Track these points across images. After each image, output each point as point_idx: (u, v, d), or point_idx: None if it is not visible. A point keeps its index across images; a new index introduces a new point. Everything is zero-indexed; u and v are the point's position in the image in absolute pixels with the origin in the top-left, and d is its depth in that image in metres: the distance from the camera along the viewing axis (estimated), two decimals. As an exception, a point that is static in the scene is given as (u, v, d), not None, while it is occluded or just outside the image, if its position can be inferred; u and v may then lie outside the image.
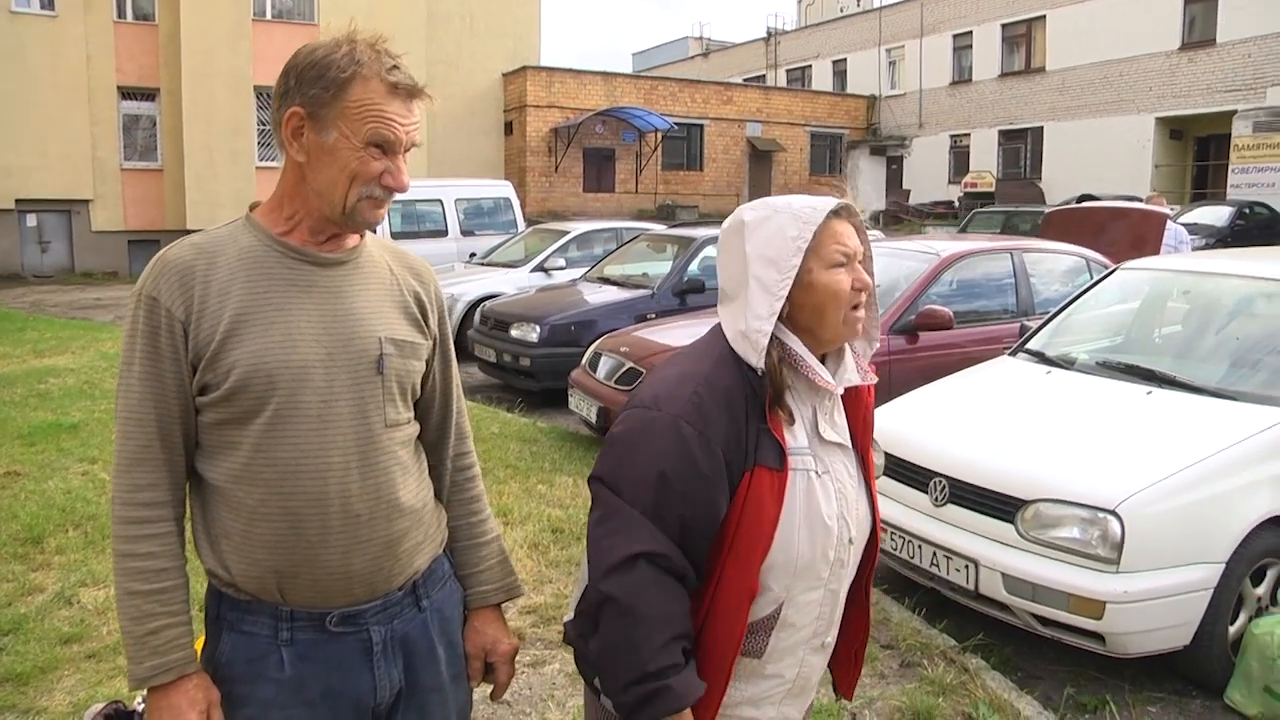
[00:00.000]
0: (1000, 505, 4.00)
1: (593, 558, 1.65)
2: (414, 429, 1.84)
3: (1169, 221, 11.07)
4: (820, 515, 1.68)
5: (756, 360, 1.65)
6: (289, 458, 1.64)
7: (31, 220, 24.22)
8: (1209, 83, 27.37)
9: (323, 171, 1.67)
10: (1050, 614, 3.79)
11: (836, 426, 1.77)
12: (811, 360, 1.70)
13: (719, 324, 1.76)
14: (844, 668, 1.99)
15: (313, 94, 1.64)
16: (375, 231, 1.84)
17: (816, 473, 1.70)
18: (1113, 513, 3.71)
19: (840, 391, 1.76)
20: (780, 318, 1.66)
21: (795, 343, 1.69)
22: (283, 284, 1.68)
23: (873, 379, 1.82)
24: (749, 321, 1.66)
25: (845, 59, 40.43)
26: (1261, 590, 4.00)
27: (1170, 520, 3.75)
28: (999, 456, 4.22)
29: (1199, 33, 27.91)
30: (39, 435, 7.35)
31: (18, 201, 23.66)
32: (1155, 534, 3.71)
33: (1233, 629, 3.90)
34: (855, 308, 1.70)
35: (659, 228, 12.86)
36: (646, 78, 36.84)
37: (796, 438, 1.69)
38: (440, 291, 1.96)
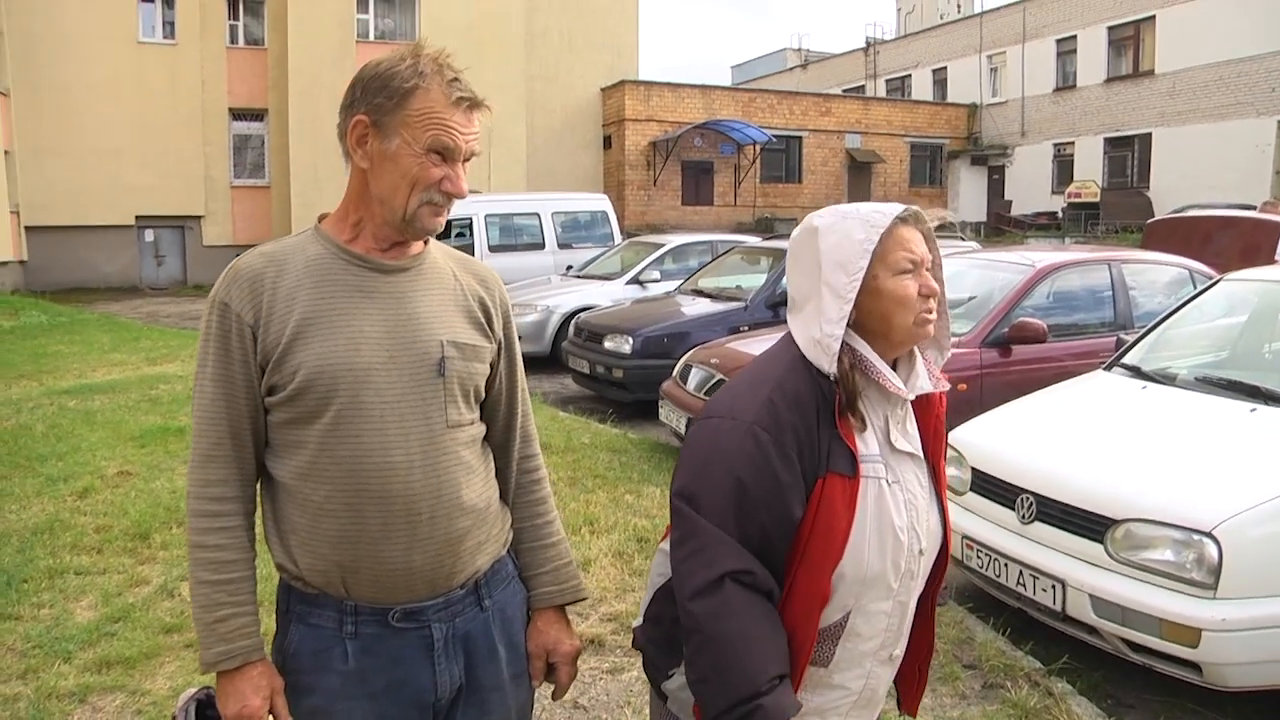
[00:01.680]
0: (1089, 524, 3.87)
1: (677, 580, 1.66)
2: (478, 430, 1.89)
3: (1283, 231, 10.59)
4: (891, 525, 1.68)
5: (829, 365, 1.65)
6: (352, 455, 1.70)
7: (149, 236, 25.42)
8: (1337, 81, 26.10)
9: (385, 178, 1.73)
10: (1141, 639, 3.64)
11: (908, 435, 1.76)
12: (882, 365, 1.70)
13: (789, 333, 1.77)
14: (908, 683, 1.96)
15: (377, 102, 1.71)
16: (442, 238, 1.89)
17: (888, 481, 1.69)
18: (1209, 535, 3.54)
19: (911, 398, 1.75)
20: (849, 323, 1.66)
21: (865, 348, 1.70)
22: (347, 290, 1.75)
23: (944, 386, 1.81)
24: (821, 327, 1.67)
25: (945, 67, 39.78)
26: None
27: (1274, 545, 3.56)
28: (1089, 474, 4.09)
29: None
30: (149, 438, 7.71)
31: (137, 218, 24.83)
32: (1257, 559, 3.53)
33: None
34: (925, 312, 1.70)
35: (754, 240, 12.84)
36: (744, 90, 36.84)
37: (868, 445, 1.69)
38: (506, 297, 2.00)
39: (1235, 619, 3.46)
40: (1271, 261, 9.55)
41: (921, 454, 1.79)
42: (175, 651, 4.01)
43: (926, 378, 1.78)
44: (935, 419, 1.84)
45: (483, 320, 1.89)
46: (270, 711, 1.72)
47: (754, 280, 9.99)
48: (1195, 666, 3.53)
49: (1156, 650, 3.62)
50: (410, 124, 1.69)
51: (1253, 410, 4.38)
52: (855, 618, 1.70)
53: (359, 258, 1.78)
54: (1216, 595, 3.49)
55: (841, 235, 1.67)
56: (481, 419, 1.91)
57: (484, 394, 1.91)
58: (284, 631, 1.81)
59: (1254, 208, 15.57)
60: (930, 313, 1.71)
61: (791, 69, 49.51)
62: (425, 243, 1.86)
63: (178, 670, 3.84)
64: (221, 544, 1.73)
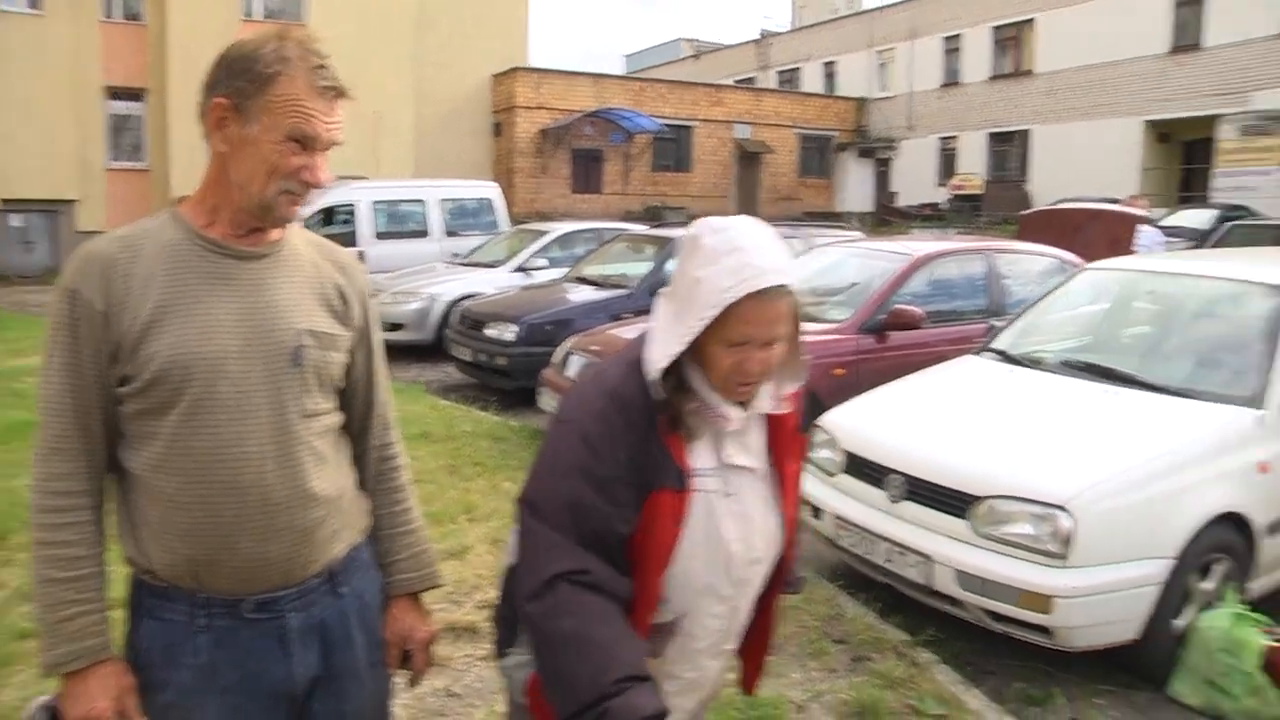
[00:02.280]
0: (954, 502, 4.04)
1: (518, 585, 1.69)
2: (335, 419, 1.87)
3: (1143, 223, 11.15)
4: (720, 539, 1.71)
5: (654, 392, 1.67)
6: (205, 447, 1.68)
7: (17, 220, 24.17)
8: (1196, 87, 27.41)
9: (244, 163, 1.70)
10: (1001, 609, 3.84)
11: (748, 449, 1.78)
12: (705, 394, 1.71)
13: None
14: (749, 665, 2.03)
15: (239, 85, 1.67)
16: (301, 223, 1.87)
17: (722, 494, 1.72)
18: (1063, 508, 3.75)
19: (736, 427, 1.74)
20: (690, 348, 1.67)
21: (696, 375, 1.70)
22: (202, 277, 1.71)
23: (785, 408, 1.81)
24: (660, 345, 1.68)
25: (836, 61, 40.53)
26: (1208, 585, 4.04)
27: (1121, 516, 3.80)
28: (954, 454, 4.26)
29: (1187, 37, 27.98)
30: (11, 433, 7.34)
31: (4, 202, 23.62)
32: (1105, 529, 3.76)
33: (1180, 623, 3.94)
34: (741, 385, 1.70)
35: (639, 228, 12.88)
36: (635, 79, 36.94)
37: (700, 459, 1.71)
38: (365, 283, 1.98)
39: (1084, 585, 3.69)
40: (1130, 251, 10.03)
41: (766, 465, 1.81)
42: (30, 658, 3.75)
43: (768, 399, 1.78)
44: (786, 430, 1.85)
45: (341, 308, 1.87)
46: (120, 712, 1.69)
47: (639, 268, 10.02)
48: (1048, 631, 3.75)
49: (1014, 618, 3.82)
50: (272, 110, 1.67)
51: (1108, 392, 4.63)
52: (687, 620, 1.75)
53: (215, 244, 1.74)
54: (1068, 564, 3.71)
55: (714, 273, 1.64)
56: (340, 407, 1.89)
57: (342, 382, 1.89)
58: (135, 627, 1.77)
59: (1119, 201, 16.32)
60: (747, 386, 1.70)
61: (685, 59, 49.79)
62: (284, 229, 1.83)
63: (31, 678, 3.62)
64: (69, 540, 1.69)
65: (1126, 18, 28.83)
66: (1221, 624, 3.81)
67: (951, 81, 35.48)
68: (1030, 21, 32.43)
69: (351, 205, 14.35)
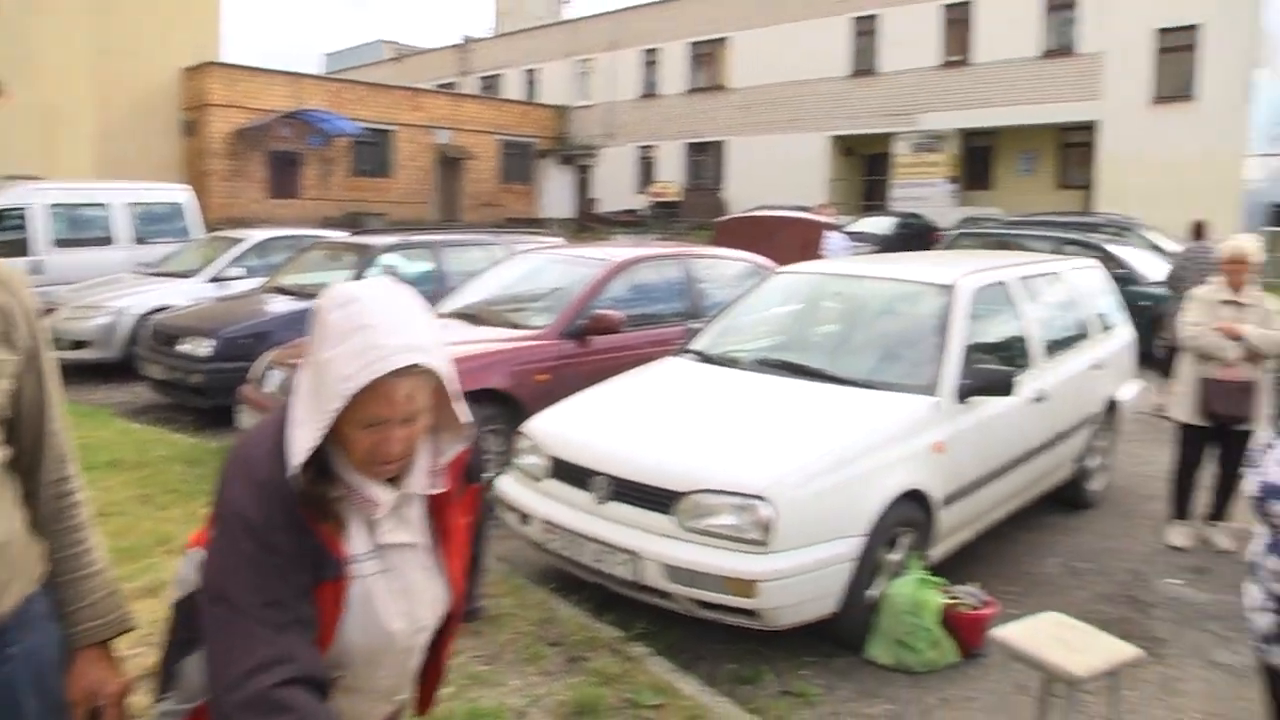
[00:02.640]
0: (659, 499, 4.17)
1: (211, 669, 1.55)
2: (1, 455, 1.66)
3: (830, 229, 12.05)
4: (379, 620, 1.64)
5: (293, 478, 1.54)
6: None
7: None
8: (875, 107, 30.10)
9: None
10: (708, 597, 4.00)
11: (407, 521, 1.69)
12: (351, 478, 1.61)
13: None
14: (423, 692, 1.97)
15: None
16: None
17: (380, 575, 1.65)
18: (762, 498, 3.97)
19: (384, 513, 1.64)
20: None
21: (339, 458, 1.60)
22: None
23: (439, 487, 1.71)
24: (295, 433, 1.55)
25: (537, 69, 41.03)
26: (896, 556, 4.42)
27: (815, 501, 4.07)
28: (657, 453, 4.39)
29: (864, 62, 30.70)
30: None
31: None
32: (802, 514, 4.01)
33: (873, 593, 4.29)
34: (381, 465, 1.60)
35: (338, 235, 12.43)
36: (334, 80, 35.60)
37: (356, 544, 1.62)
38: (30, 300, 1.76)
39: (785, 568, 3.92)
40: (818, 256, 10.80)
41: (428, 537, 1.73)
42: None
43: (422, 477, 1.68)
44: (452, 488, 1.76)
45: (4, 329, 1.66)
46: None
47: (338, 276, 9.64)
48: (754, 614, 3.97)
49: (722, 605, 4.01)
50: None
51: (801, 387, 4.94)
52: (352, 679, 1.69)
53: None
54: (769, 550, 3.93)
55: (339, 356, 1.51)
56: (7, 440, 1.68)
57: (8, 412, 1.68)
58: None
59: (809, 209, 17.56)
60: (390, 465, 1.60)
61: (386, 61, 48.65)
62: None
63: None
64: None
65: (813, 42, 31.25)
66: (907, 589, 4.22)
67: (650, 93, 36.83)
68: (725, 40, 34.32)
69: (22, 209, 12.86)
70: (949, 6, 28.56)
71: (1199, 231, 10.32)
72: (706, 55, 35.18)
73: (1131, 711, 3.79)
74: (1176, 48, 24.31)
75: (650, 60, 36.80)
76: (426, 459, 1.69)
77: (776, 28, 32.36)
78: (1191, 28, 23.98)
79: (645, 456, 4.38)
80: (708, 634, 4.34)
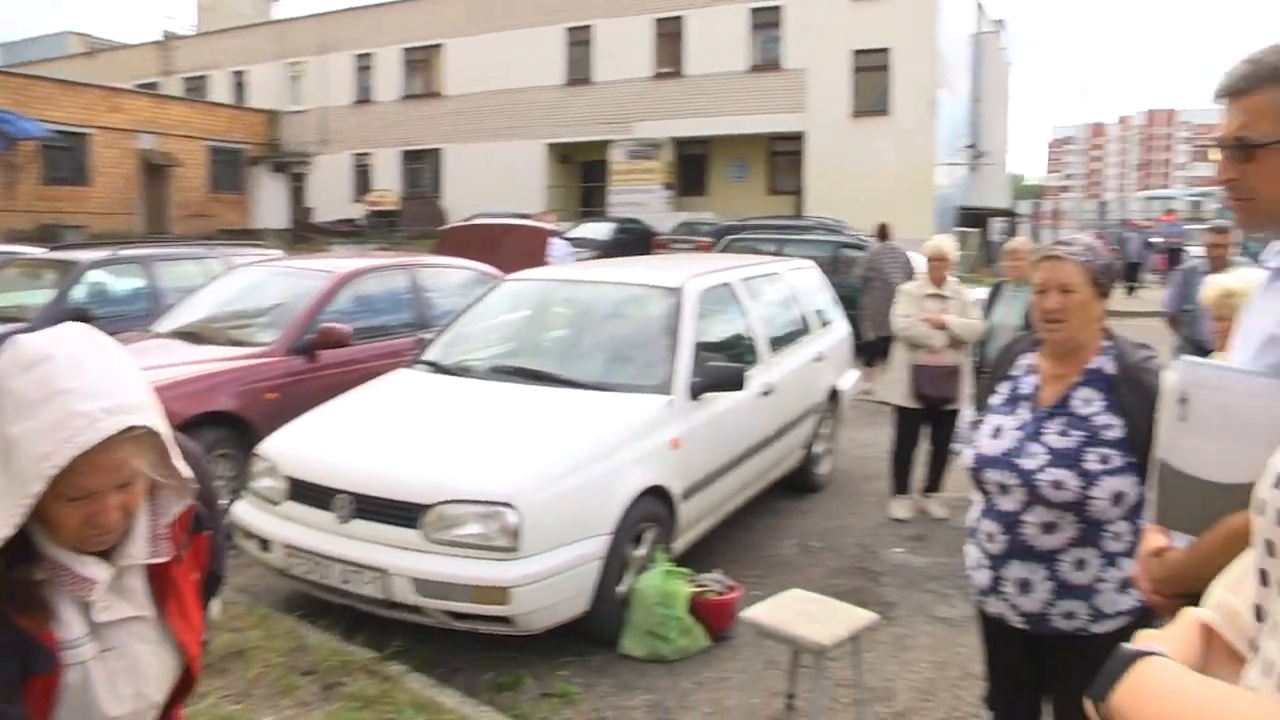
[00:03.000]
0: (404, 513, 4.09)
1: None
2: None
3: (554, 236, 12.21)
4: (99, 708, 1.47)
5: None
6: None
7: None
8: (590, 115, 30.75)
9: None
10: (461, 608, 3.98)
11: (127, 592, 1.50)
12: (58, 557, 1.41)
13: None
14: None
15: None
16: None
17: (99, 659, 1.47)
18: (506, 504, 3.98)
19: (97, 595, 1.44)
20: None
21: (42, 537, 1.40)
22: None
23: (164, 555, 1.52)
24: None
25: (246, 71, 38.90)
26: (641, 551, 4.57)
27: (560, 503, 4.13)
28: (399, 467, 4.31)
29: (579, 72, 31.35)
30: None
31: None
32: (547, 518, 4.06)
33: (622, 589, 4.41)
34: (102, 535, 1.42)
35: (36, 250, 11.28)
36: (17, 75, 31.90)
37: (68, 629, 1.44)
38: None
39: (535, 572, 3.96)
40: (544, 263, 10.93)
41: (153, 605, 1.54)
42: None
43: (143, 545, 1.50)
44: (176, 543, 1.57)
45: None
46: None
47: (38, 297, 8.74)
48: (508, 620, 3.98)
49: (476, 614, 4.00)
50: None
51: (536, 392, 5.00)
52: None
53: None
54: (518, 555, 3.96)
55: (31, 433, 1.30)
56: None
57: None
58: None
59: (531, 216, 17.73)
60: (107, 535, 1.42)
61: (76, 56, 44.25)
62: None
63: None
64: None
65: (528, 51, 31.51)
66: (655, 582, 4.37)
67: (365, 99, 35.87)
68: (439, 46, 33.96)
69: None
70: (660, 20, 29.77)
71: (883, 233, 11.24)
72: (421, 62, 34.70)
73: (870, 670, 4.10)
74: (871, 67, 26.74)
75: (364, 65, 35.82)
76: (146, 522, 1.50)
77: (491, 35, 32.43)
78: (884, 50, 26.41)
79: (387, 471, 4.28)
80: (463, 645, 4.31)
